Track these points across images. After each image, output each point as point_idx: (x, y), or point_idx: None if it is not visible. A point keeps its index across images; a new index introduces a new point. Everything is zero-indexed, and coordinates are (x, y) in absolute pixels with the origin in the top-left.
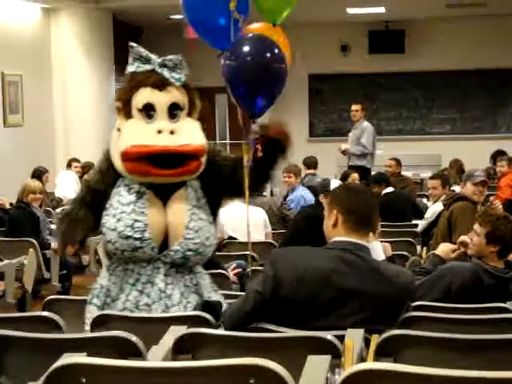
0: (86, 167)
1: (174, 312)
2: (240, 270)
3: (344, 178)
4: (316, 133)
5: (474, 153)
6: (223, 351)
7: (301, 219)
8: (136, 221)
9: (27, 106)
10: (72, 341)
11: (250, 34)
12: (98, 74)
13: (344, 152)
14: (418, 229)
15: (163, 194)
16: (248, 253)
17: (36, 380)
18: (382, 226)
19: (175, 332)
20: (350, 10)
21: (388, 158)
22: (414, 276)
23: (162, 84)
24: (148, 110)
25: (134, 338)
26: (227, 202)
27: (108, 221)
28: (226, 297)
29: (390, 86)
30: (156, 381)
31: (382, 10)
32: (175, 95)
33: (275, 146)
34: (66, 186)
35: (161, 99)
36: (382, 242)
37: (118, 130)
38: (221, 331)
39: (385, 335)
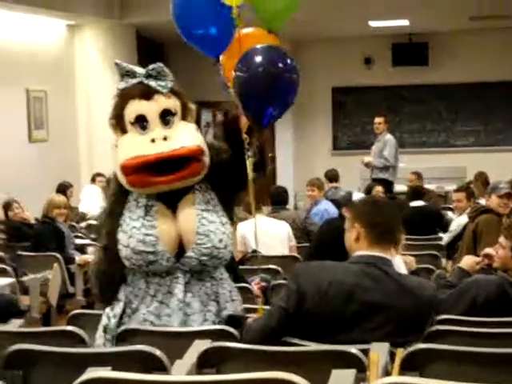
0: (109, 181)
1: (194, 320)
2: (264, 284)
3: (368, 190)
4: (339, 146)
5: (499, 165)
6: (247, 365)
7: (324, 232)
8: (147, 235)
9: (52, 121)
10: (96, 355)
11: (261, 45)
12: None
13: (367, 165)
14: (443, 242)
15: (172, 202)
16: (272, 266)
17: None
18: (407, 240)
19: (199, 346)
20: (373, 24)
21: (409, 172)
22: (436, 286)
23: (149, 94)
24: (141, 122)
25: (158, 353)
26: (240, 194)
27: (122, 238)
28: (250, 311)
29: (414, 98)
30: None
31: (405, 22)
32: (164, 102)
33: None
34: (91, 201)
35: (151, 108)
36: (406, 255)
37: (116, 146)
38: (245, 345)
39: (410, 349)
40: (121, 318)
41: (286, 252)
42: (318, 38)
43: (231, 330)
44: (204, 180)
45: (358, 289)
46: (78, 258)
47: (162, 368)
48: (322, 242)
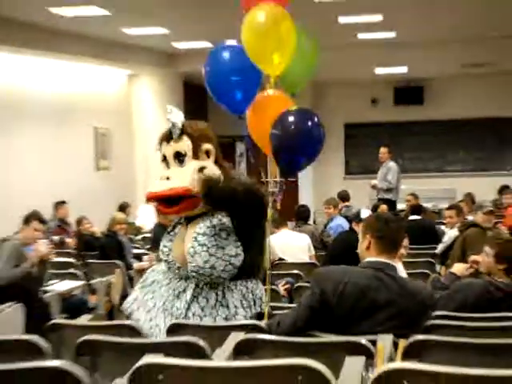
0: None
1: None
2: (289, 285)
3: (374, 208)
4: (351, 171)
5: (483, 187)
6: (275, 353)
7: (337, 243)
8: (164, 246)
9: (114, 153)
10: (151, 344)
11: (294, 108)
12: None
13: (374, 187)
14: (437, 251)
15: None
16: (295, 271)
17: (122, 376)
18: (411, 249)
19: (235, 337)
20: (378, 70)
21: (407, 194)
22: (433, 290)
23: (168, 138)
24: (164, 161)
25: (201, 342)
26: (256, 227)
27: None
28: (277, 308)
29: (412, 132)
30: (219, 377)
31: (404, 69)
32: (177, 145)
33: None
34: (145, 217)
35: (168, 151)
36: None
37: None
38: (273, 337)
39: (411, 340)
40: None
41: (306, 259)
42: (334, 82)
43: (261, 324)
44: (224, 208)
45: (368, 289)
46: (136, 264)
47: (205, 355)
48: (335, 251)
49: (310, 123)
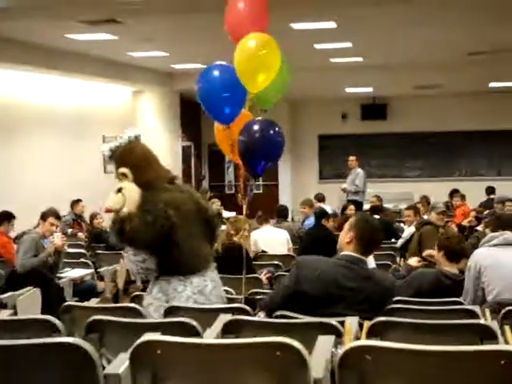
0: None
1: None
2: (270, 274)
3: (344, 208)
4: (324, 176)
5: (437, 190)
6: (258, 332)
7: (306, 237)
8: None
9: None
10: (151, 324)
11: (258, 118)
12: (169, 136)
13: (344, 190)
14: (397, 245)
15: None
16: (275, 262)
17: (125, 351)
18: None
19: (224, 319)
20: (348, 90)
21: (371, 196)
22: (395, 279)
23: None
24: None
25: (194, 322)
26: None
27: None
28: (259, 294)
29: (376, 143)
30: (209, 353)
31: (370, 89)
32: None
33: None
34: None
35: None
36: None
37: None
38: (256, 318)
39: (374, 321)
40: None
41: (285, 252)
42: (309, 99)
43: (247, 307)
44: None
45: (340, 277)
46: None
47: (197, 334)
48: (306, 244)
49: (272, 131)
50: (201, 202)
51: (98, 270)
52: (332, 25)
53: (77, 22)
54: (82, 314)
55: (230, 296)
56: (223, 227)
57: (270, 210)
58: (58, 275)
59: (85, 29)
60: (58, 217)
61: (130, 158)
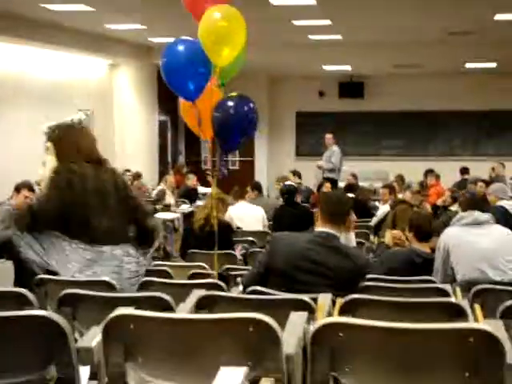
0: (135, 176)
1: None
2: (244, 251)
3: (320, 186)
4: (300, 153)
5: (412, 170)
6: (231, 308)
7: (275, 214)
8: None
9: (96, 132)
10: (124, 298)
11: (233, 94)
12: (146, 110)
13: (320, 167)
14: (372, 223)
15: None
16: (250, 238)
17: (98, 325)
18: None
19: (197, 294)
20: (326, 67)
21: (348, 174)
22: (368, 257)
23: None
24: None
25: (167, 297)
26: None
27: None
28: (234, 270)
29: (353, 121)
30: (182, 328)
31: (348, 67)
32: None
33: None
34: None
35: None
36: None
37: None
38: (229, 294)
39: (346, 298)
40: None
41: (260, 228)
42: (287, 76)
43: (220, 283)
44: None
45: (312, 252)
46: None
47: (170, 308)
48: (274, 220)
49: (246, 107)
50: (120, 187)
51: None
52: (311, 1)
53: None
54: (55, 288)
55: (203, 271)
56: (199, 203)
57: (245, 185)
58: None
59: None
60: (31, 189)
61: (56, 134)
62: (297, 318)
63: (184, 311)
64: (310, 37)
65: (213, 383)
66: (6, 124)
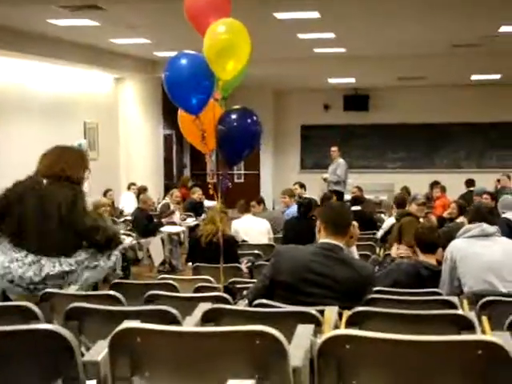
0: (140, 189)
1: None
2: (250, 264)
3: (323, 199)
4: (305, 166)
5: (417, 182)
6: (237, 321)
7: (286, 227)
8: None
9: (101, 145)
10: (130, 312)
11: (236, 107)
12: (151, 124)
13: (325, 180)
14: (377, 236)
15: None
16: (256, 252)
17: (105, 339)
18: None
19: (203, 307)
20: (330, 80)
21: (353, 186)
22: (374, 268)
23: None
24: None
25: (174, 311)
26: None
27: None
28: (239, 283)
29: (358, 134)
30: (189, 341)
31: (352, 80)
32: None
33: None
34: (127, 203)
35: None
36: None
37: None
38: (236, 307)
39: (353, 311)
40: None
41: (265, 241)
42: (292, 89)
43: (226, 296)
44: None
45: (316, 264)
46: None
47: (177, 322)
48: (287, 233)
49: (249, 120)
50: (62, 206)
51: None
52: (315, 14)
53: (59, 7)
54: (61, 302)
55: (209, 285)
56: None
57: (251, 199)
58: None
59: (67, 14)
60: None
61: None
62: (303, 331)
63: (190, 324)
64: (315, 50)
65: None
66: (12, 140)
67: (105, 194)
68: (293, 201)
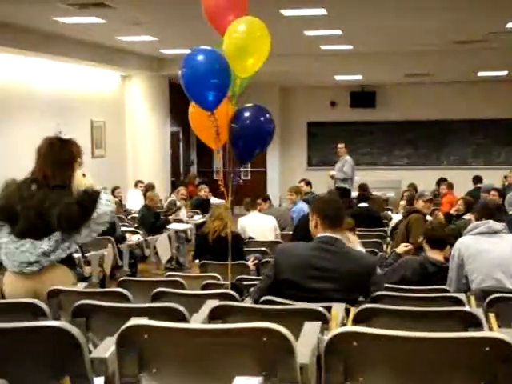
0: (148, 186)
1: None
2: (257, 261)
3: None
4: (312, 163)
5: (424, 179)
6: (244, 318)
7: (301, 223)
8: None
9: (108, 143)
10: (138, 309)
11: (249, 105)
12: (157, 120)
13: (332, 177)
14: (389, 233)
15: None
16: (262, 249)
17: (112, 336)
18: (359, 231)
19: (210, 304)
20: (337, 77)
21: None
22: (377, 259)
23: None
24: None
25: (181, 308)
26: None
27: None
28: (246, 280)
29: (365, 130)
30: (196, 338)
31: (359, 77)
32: None
33: None
34: (134, 200)
35: None
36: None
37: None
38: (243, 304)
39: (360, 308)
40: None
41: (272, 238)
42: (299, 86)
43: (233, 293)
44: None
45: (315, 258)
46: (128, 238)
47: (184, 319)
48: (299, 229)
49: (262, 118)
50: (44, 208)
51: (85, 254)
52: (322, 11)
53: (65, 5)
54: (69, 299)
55: (216, 282)
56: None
57: (257, 196)
58: None
59: (73, 12)
60: None
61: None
62: (310, 328)
63: (198, 321)
64: (322, 47)
65: None
66: (19, 138)
67: (113, 192)
68: (299, 198)
